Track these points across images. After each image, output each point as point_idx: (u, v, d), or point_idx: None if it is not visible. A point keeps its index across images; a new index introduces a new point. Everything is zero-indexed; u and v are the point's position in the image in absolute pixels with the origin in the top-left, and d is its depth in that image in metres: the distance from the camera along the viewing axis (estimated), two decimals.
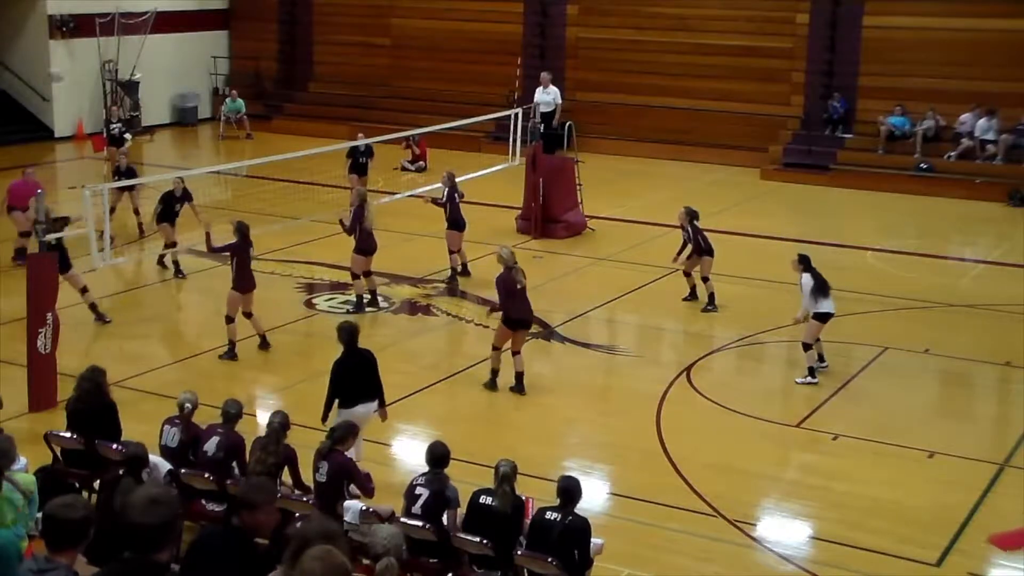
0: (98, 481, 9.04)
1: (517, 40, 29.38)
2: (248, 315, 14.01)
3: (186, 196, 17.12)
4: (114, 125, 24.14)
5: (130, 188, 18.99)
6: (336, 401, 10.54)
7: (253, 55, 32.73)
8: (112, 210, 18.19)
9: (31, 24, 29.19)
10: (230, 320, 13.93)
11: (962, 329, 15.76)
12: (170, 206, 17.02)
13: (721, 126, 27.19)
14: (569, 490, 8.15)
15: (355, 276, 15.84)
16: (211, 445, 9.29)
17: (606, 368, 13.06)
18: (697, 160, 26.75)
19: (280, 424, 9.13)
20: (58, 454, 9.76)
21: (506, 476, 8.26)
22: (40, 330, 12.08)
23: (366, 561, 6.96)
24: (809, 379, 13.48)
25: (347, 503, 8.66)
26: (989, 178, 23.93)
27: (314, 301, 16.51)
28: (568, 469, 10.60)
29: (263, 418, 9.38)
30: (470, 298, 16.69)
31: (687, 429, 12.34)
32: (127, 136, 24.36)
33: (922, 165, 24.65)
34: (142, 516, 4.81)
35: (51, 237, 12.92)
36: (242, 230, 13.93)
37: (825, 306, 13.40)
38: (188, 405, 9.64)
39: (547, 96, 23.07)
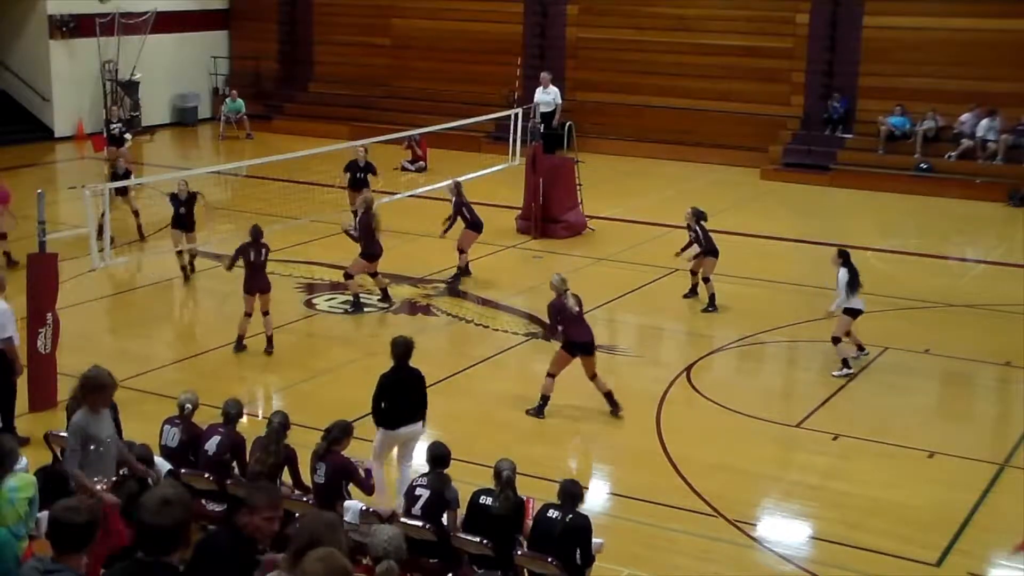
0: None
1: (517, 40, 29.38)
2: (265, 313, 14.14)
3: (191, 199, 17.16)
4: (114, 125, 24.16)
5: (125, 191, 18.83)
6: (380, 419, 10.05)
7: (253, 55, 32.73)
8: (103, 213, 18.06)
9: (31, 24, 29.19)
10: (246, 315, 14.16)
11: (962, 329, 15.75)
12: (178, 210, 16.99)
13: (721, 126, 27.18)
14: (572, 493, 8.17)
15: (348, 276, 15.84)
16: (211, 445, 9.30)
17: (606, 368, 13.04)
18: (697, 160, 26.75)
19: (280, 424, 9.13)
20: (58, 454, 9.74)
21: (508, 481, 8.24)
22: (40, 330, 12.08)
23: (366, 561, 6.96)
24: (845, 370, 13.66)
25: (347, 503, 8.66)
26: (989, 178, 23.92)
27: (314, 301, 16.51)
28: (568, 469, 10.62)
29: (263, 418, 9.38)
30: (470, 298, 16.69)
31: (687, 429, 12.34)
32: (127, 136, 24.39)
33: (922, 165, 24.65)
34: (154, 517, 4.80)
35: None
36: (252, 233, 14.07)
37: (856, 303, 13.68)
38: (188, 405, 9.65)
39: (547, 96, 23.07)
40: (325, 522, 5.20)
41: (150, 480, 8.32)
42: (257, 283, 14.09)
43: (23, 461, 8.02)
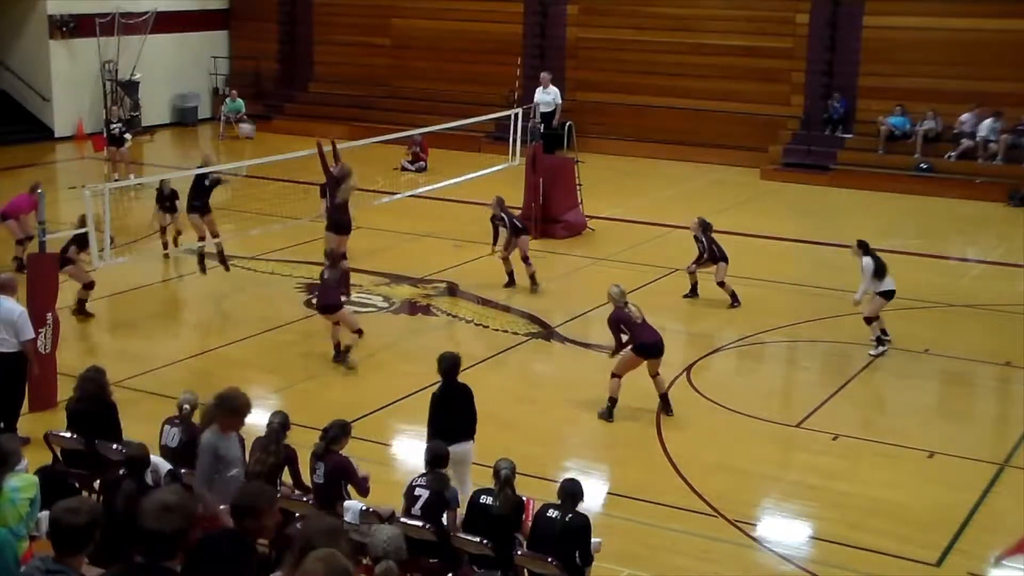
0: (98, 482, 9.04)
1: (517, 40, 29.37)
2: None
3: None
4: (114, 125, 24.18)
5: (173, 211, 18.19)
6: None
7: (253, 55, 32.73)
8: (163, 230, 18.02)
9: (31, 24, 29.18)
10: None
11: (962, 329, 15.76)
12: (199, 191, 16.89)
13: (721, 126, 27.18)
14: (572, 492, 8.16)
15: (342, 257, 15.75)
16: None
17: (606, 368, 13.03)
18: (697, 160, 26.74)
19: (280, 424, 9.12)
20: (58, 454, 9.75)
21: (507, 480, 8.26)
22: (40, 330, 12.07)
23: (366, 561, 6.96)
24: (880, 348, 14.15)
25: (347, 503, 8.66)
26: (989, 178, 23.92)
27: (314, 301, 16.49)
28: (568, 469, 10.61)
29: (263, 418, 9.37)
30: (470, 298, 16.68)
31: (687, 429, 12.34)
32: (127, 136, 24.41)
33: (922, 165, 24.65)
34: (155, 523, 4.80)
35: None
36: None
37: (888, 284, 14.25)
38: (187, 406, 9.64)
39: (547, 96, 23.06)
40: (324, 529, 5.19)
41: (149, 480, 8.31)
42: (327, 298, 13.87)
43: (23, 461, 8.02)
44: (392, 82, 31.18)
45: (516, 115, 20.87)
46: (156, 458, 9.28)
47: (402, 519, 8.34)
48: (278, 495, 8.87)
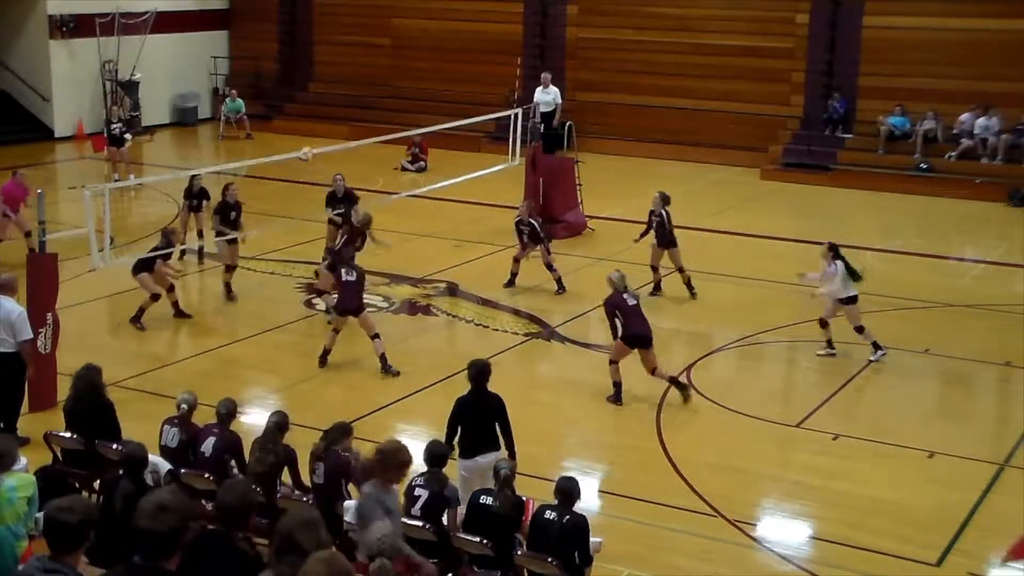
0: (98, 482, 9.04)
1: (517, 40, 29.36)
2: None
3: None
4: (114, 125, 24.18)
5: (199, 209, 18.07)
6: (456, 450, 9.52)
7: (253, 55, 32.73)
8: (183, 231, 17.70)
9: (31, 24, 29.18)
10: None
11: (962, 329, 15.75)
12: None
13: (721, 126, 27.18)
14: (568, 491, 8.14)
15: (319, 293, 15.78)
16: (207, 447, 9.28)
17: (606, 368, 13.04)
18: (697, 160, 26.74)
19: (278, 424, 9.12)
20: (58, 454, 9.75)
21: (507, 480, 8.25)
22: (40, 330, 12.07)
23: (361, 558, 6.95)
24: (880, 353, 14.07)
25: (347, 503, 8.66)
26: (989, 178, 23.92)
27: (314, 301, 16.50)
28: (568, 469, 10.60)
29: (262, 418, 9.37)
30: (470, 298, 16.67)
31: (687, 429, 12.34)
32: (127, 136, 24.41)
33: (922, 165, 24.65)
34: (150, 522, 4.80)
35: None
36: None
37: (853, 290, 14.06)
38: (185, 406, 9.64)
39: (547, 96, 23.05)
40: (303, 520, 5.20)
41: (149, 480, 8.31)
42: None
43: (22, 461, 8.02)
44: (392, 82, 31.18)
45: (516, 115, 20.85)
46: (156, 458, 9.29)
47: (402, 519, 8.34)
48: (278, 495, 8.91)
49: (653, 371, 12.71)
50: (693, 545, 9.82)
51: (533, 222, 16.79)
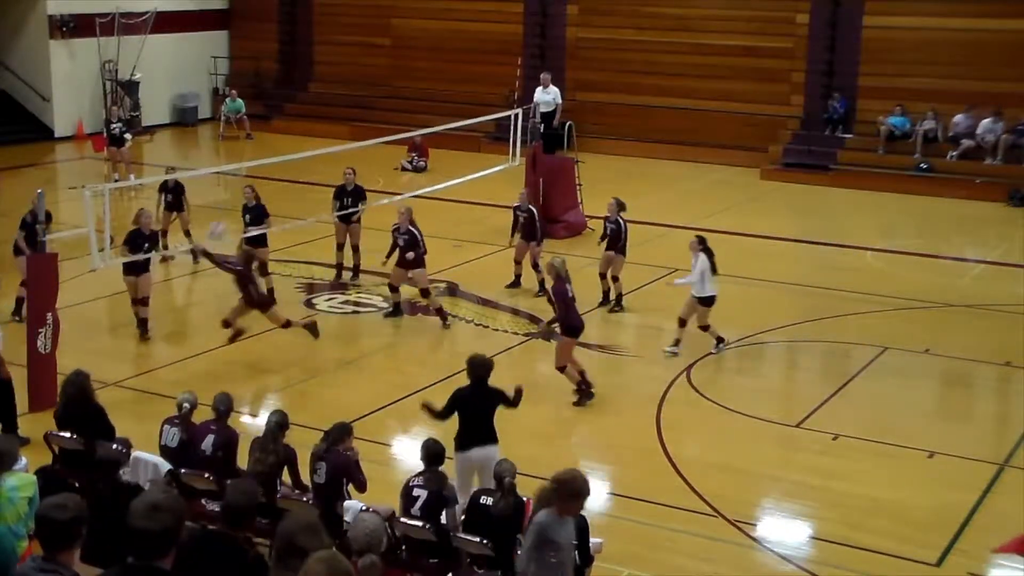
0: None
1: (517, 40, 29.37)
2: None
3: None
4: (114, 125, 24.19)
5: (179, 208, 18.10)
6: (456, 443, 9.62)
7: (253, 55, 32.73)
8: (164, 233, 17.59)
9: (31, 24, 29.20)
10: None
11: (962, 329, 15.75)
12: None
13: (721, 126, 27.19)
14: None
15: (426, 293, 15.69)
16: (207, 444, 9.28)
17: (606, 368, 13.06)
18: (697, 160, 26.75)
19: (278, 423, 9.12)
20: (58, 454, 9.74)
21: (511, 488, 8.19)
22: (40, 330, 12.08)
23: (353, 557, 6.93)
24: (673, 348, 14.15)
25: (347, 503, 8.66)
26: (989, 178, 23.93)
27: (314, 301, 16.50)
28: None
29: (263, 418, 9.37)
30: (470, 298, 16.67)
31: (687, 429, 12.35)
32: (127, 136, 24.42)
33: (922, 165, 24.65)
34: (143, 522, 4.78)
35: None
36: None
37: (711, 289, 13.99)
38: (186, 405, 9.63)
39: (547, 96, 23.05)
40: (304, 524, 5.20)
41: (122, 473, 8.29)
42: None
43: (22, 461, 8.02)
44: (392, 82, 31.18)
45: (516, 115, 20.85)
46: (156, 458, 9.30)
47: (401, 519, 8.34)
48: (278, 495, 8.91)
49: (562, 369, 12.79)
50: (693, 545, 9.82)
51: (532, 209, 16.78)
